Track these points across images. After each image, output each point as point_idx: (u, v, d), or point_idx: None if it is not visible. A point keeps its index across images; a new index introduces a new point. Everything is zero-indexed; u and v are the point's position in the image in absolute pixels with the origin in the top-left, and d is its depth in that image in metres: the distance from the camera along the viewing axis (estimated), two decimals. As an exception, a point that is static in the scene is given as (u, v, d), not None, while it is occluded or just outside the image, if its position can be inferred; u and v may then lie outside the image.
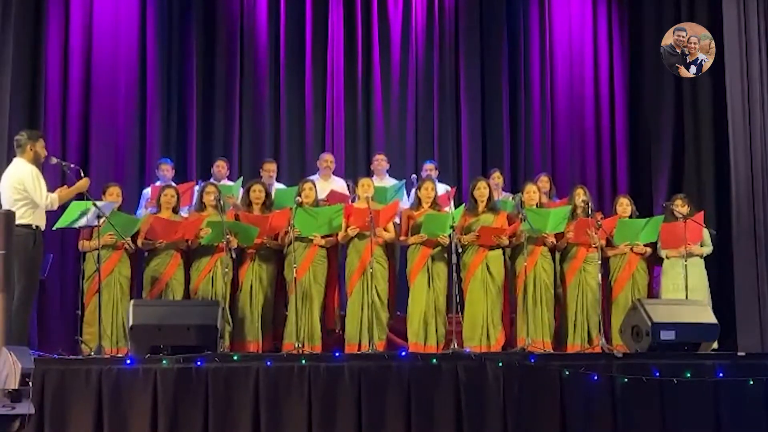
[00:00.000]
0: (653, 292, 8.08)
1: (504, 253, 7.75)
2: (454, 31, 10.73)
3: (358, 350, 7.36)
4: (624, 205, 8.12)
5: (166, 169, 8.96)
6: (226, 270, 7.40)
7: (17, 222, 6.16)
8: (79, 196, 7.15)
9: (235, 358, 6.55)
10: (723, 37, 9.39)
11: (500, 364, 6.51)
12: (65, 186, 7.15)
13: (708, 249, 8.20)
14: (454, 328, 7.36)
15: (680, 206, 8.13)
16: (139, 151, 9.88)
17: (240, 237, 7.57)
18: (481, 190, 7.78)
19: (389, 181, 8.96)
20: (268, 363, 6.40)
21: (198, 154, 10.06)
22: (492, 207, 7.80)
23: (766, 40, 9.23)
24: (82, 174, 7.00)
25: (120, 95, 9.88)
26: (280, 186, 8.92)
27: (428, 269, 7.60)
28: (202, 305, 7.24)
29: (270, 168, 9.04)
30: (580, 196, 8.00)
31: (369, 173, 9.09)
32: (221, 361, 6.41)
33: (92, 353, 6.95)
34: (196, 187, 8.46)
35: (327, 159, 9.16)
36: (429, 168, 9.14)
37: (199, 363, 6.32)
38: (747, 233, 9.05)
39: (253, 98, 10.34)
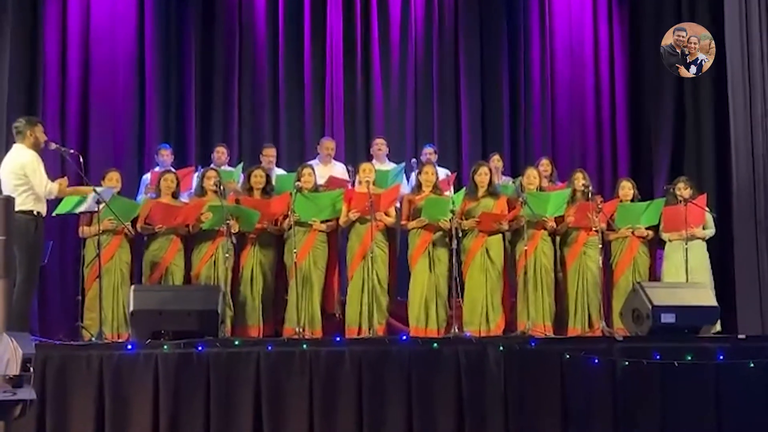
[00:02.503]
0: (656, 275, 8.07)
1: (504, 238, 7.75)
2: (454, 14, 10.67)
3: (358, 334, 7.37)
4: (626, 188, 8.09)
5: (166, 155, 8.93)
6: (227, 255, 7.39)
7: (18, 208, 6.13)
8: (78, 183, 7.12)
9: (236, 343, 6.56)
10: (724, 18, 9.34)
11: (501, 348, 6.51)
12: (65, 177, 7.10)
13: (711, 231, 8.16)
14: (455, 312, 7.37)
15: (683, 189, 8.08)
16: (139, 136, 9.85)
17: (241, 222, 7.55)
18: (482, 176, 7.77)
19: (388, 166, 8.93)
20: (269, 348, 6.41)
21: (197, 139, 10.02)
22: (492, 191, 7.80)
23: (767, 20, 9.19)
24: (81, 161, 6.98)
25: (119, 81, 9.85)
26: (280, 171, 8.90)
27: (429, 254, 7.59)
28: (203, 290, 7.25)
29: (269, 153, 9.01)
30: (580, 180, 7.98)
31: (369, 158, 9.06)
32: (222, 346, 6.41)
33: (93, 339, 6.96)
34: (196, 173, 8.44)
35: (327, 145, 9.13)
36: (428, 152, 9.11)
37: (200, 348, 6.31)
38: (747, 216, 9.02)
39: (252, 83, 10.29)
